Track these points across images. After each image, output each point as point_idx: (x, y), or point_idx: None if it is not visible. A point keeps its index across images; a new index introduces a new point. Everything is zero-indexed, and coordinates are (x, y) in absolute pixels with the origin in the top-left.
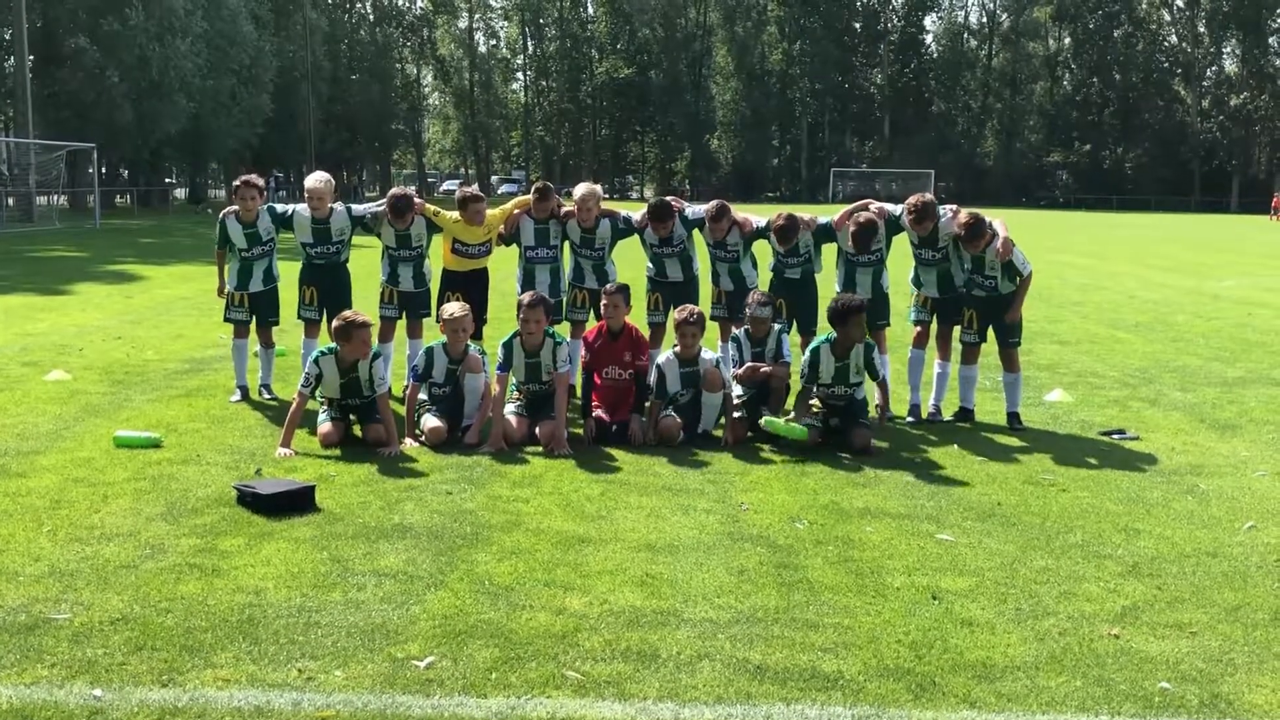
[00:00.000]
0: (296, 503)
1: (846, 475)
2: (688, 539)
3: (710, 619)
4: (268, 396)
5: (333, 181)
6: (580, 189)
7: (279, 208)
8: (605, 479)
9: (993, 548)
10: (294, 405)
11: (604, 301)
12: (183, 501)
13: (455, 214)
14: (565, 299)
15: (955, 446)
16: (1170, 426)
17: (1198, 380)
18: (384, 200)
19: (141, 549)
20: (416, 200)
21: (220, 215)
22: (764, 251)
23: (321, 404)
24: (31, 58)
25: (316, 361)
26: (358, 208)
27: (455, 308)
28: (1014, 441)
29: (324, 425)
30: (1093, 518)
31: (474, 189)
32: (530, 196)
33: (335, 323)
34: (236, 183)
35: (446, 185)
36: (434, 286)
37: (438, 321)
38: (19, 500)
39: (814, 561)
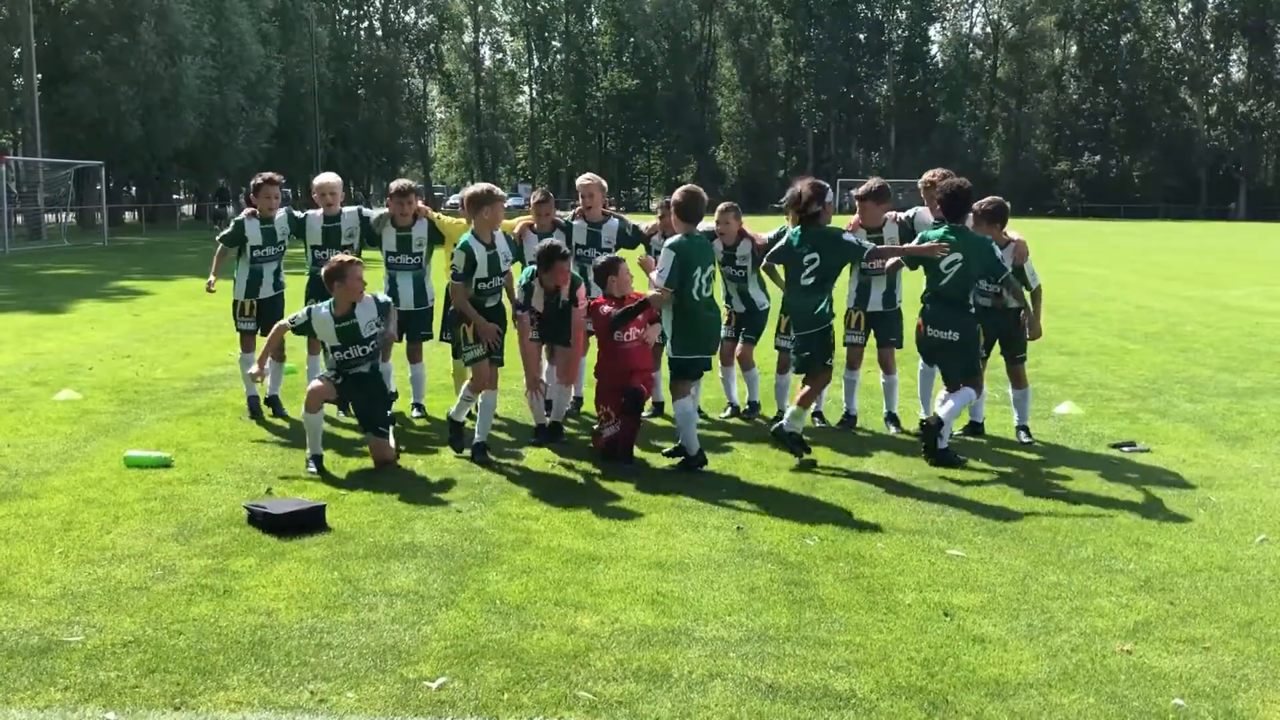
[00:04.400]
0: (307, 522)
1: (857, 490)
2: (698, 556)
3: (721, 638)
4: (274, 413)
5: (341, 181)
6: (583, 177)
7: (296, 213)
8: (615, 495)
9: (1004, 563)
10: (273, 332)
11: (611, 278)
12: (194, 522)
13: (457, 220)
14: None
15: (965, 460)
16: (1180, 438)
17: (1207, 391)
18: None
19: (153, 570)
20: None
21: (239, 216)
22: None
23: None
24: (40, 75)
25: (309, 312)
26: (368, 209)
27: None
28: (1024, 455)
29: (314, 383)
30: (1104, 532)
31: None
32: (532, 204)
33: (326, 268)
34: (257, 180)
35: (453, 200)
36: (437, 309)
37: (441, 339)
38: (30, 522)
39: (825, 578)
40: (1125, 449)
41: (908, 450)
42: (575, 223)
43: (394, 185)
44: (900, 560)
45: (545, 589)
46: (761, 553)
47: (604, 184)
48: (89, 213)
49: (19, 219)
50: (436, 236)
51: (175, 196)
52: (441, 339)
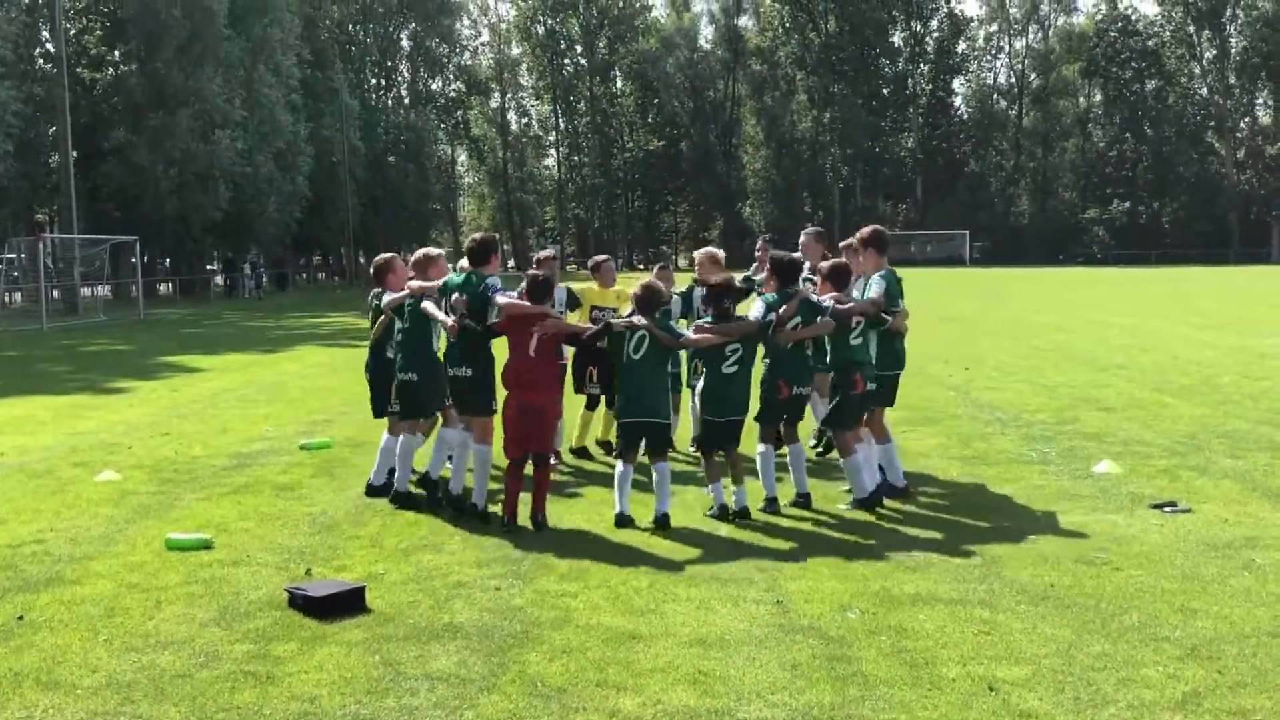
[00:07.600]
0: (347, 604)
1: (896, 559)
2: (738, 632)
3: (765, 718)
4: (555, 463)
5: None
6: (700, 252)
7: (574, 287)
8: (652, 569)
9: (1048, 633)
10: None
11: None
12: (235, 605)
13: (588, 285)
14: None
15: (1002, 525)
16: (1222, 496)
17: (1248, 445)
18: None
19: (196, 656)
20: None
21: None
22: None
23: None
24: (75, 153)
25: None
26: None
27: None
28: (1064, 519)
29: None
30: (1148, 597)
31: (603, 256)
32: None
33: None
34: (540, 255)
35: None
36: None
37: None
38: (74, 609)
39: (867, 653)
40: (1166, 509)
41: (946, 516)
42: (694, 291)
43: (542, 253)
44: (942, 632)
45: (586, 669)
46: (802, 627)
47: (721, 255)
48: (124, 286)
49: (55, 294)
50: (574, 301)
51: (209, 267)
52: (576, 392)
